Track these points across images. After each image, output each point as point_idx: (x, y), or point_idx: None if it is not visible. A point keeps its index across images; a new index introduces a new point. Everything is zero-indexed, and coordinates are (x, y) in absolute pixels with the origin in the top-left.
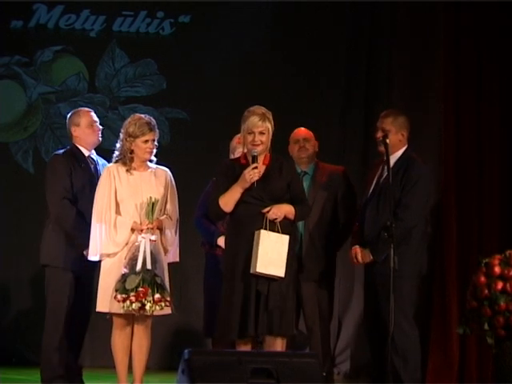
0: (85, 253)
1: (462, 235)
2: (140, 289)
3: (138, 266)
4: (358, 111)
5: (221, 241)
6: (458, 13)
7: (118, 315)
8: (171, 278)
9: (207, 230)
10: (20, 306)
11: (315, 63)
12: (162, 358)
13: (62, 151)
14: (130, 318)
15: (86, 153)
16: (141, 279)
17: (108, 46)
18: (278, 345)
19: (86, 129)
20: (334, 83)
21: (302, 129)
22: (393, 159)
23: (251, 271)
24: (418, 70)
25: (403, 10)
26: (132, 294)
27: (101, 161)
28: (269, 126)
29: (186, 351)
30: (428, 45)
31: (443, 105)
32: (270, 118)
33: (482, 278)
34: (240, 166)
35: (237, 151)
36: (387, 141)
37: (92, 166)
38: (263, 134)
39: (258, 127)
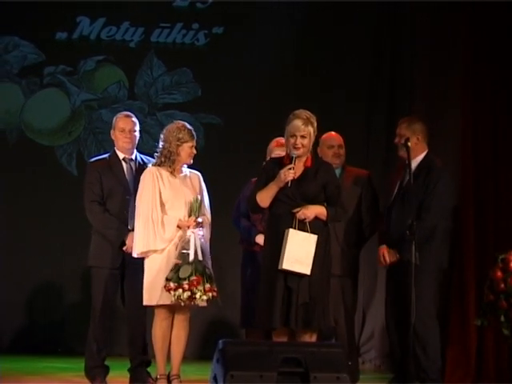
0: (124, 248)
1: (479, 233)
2: (193, 277)
3: (191, 257)
4: (381, 115)
5: (259, 239)
6: (477, 24)
7: (161, 307)
8: None
9: (245, 229)
10: (66, 300)
11: (341, 70)
12: (198, 348)
13: (94, 159)
14: (170, 311)
15: (122, 156)
16: (194, 269)
17: (146, 55)
18: (307, 339)
19: (117, 133)
20: (358, 88)
21: (335, 134)
22: (415, 163)
23: (279, 267)
24: (439, 74)
25: (424, 21)
26: (185, 282)
27: (146, 160)
28: (311, 130)
29: (220, 341)
30: (449, 48)
31: (460, 109)
32: (314, 122)
33: (499, 273)
34: (282, 165)
35: (273, 154)
36: (409, 144)
37: (127, 168)
38: (305, 137)
39: (300, 131)
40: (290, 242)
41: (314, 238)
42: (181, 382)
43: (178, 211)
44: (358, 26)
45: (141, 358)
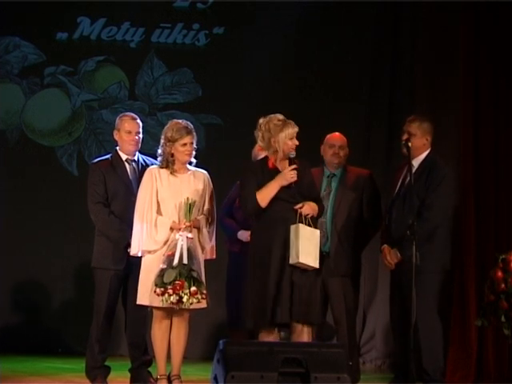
0: (129, 250)
1: (480, 233)
2: (177, 282)
3: (175, 261)
4: (382, 115)
5: (242, 235)
6: (477, 24)
7: (158, 308)
8: (207, 273)
9: (231, 228)
10: (67, 301)
11: (341, 70)
12: (199, 348)
13: (97, 160)
14: (169, 312)
15: (124, 157)
16: (178, 273)
17: (147, 56)
18: (305, 332)
19: (123, 135)
20: (358, 88)
21: (338, 134)
22: (417, 162)
23: (291, 262)
24: (439, 73)
25: (424, 21)
26: (169, 287)
27: (148, 161)
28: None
29: (221, 342)
30: (449, 48)
31: (461, 109)
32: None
33: (499, 273)
34: (267, 167)
35: (259, 157)
36: (409, 144)
37: (130, 169)
38: (295, 139)
39: (295, 134)
40: (302, 236)
41: (318, 232)
42: (181, 382)
43: (173, 211)
44: (357, 26)
45: (142, 358)
